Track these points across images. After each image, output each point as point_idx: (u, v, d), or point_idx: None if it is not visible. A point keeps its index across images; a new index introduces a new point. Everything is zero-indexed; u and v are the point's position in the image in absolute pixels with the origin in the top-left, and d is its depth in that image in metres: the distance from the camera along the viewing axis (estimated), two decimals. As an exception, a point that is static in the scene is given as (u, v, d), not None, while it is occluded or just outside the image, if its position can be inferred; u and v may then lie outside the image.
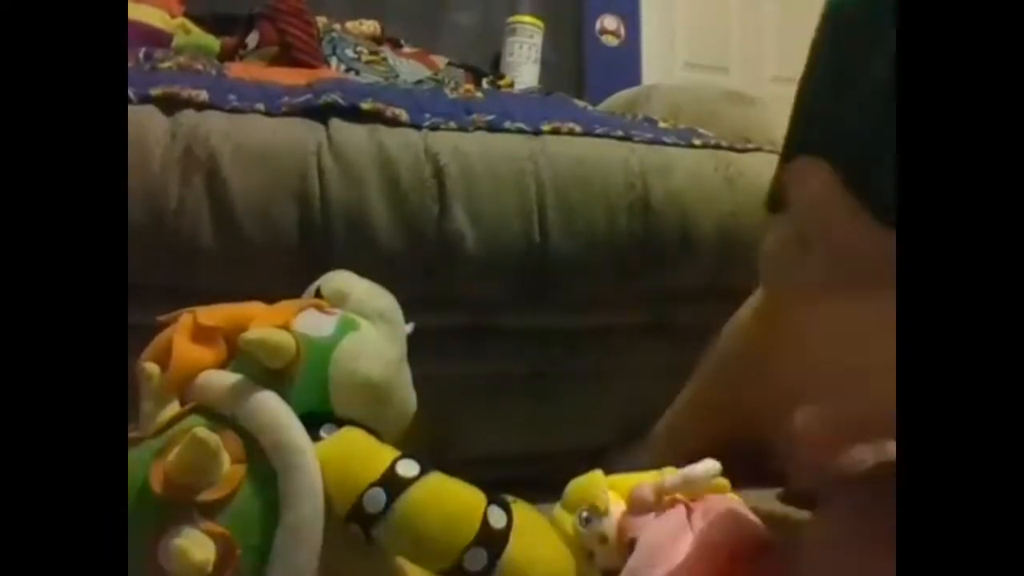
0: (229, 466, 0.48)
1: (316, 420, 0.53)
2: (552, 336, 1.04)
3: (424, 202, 0.92)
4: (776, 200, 0.58)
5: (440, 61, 1.98)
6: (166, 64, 1.23)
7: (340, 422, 0.54)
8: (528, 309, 1.00)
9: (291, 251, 0.88)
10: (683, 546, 0.55)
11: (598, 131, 1.04)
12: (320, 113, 0.94)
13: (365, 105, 0.95)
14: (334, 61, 1.71)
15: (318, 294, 0.62)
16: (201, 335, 0.54)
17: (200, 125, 0.88)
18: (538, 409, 1.05)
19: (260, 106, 0.94)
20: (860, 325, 0.39)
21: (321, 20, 1.82)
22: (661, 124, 1.18)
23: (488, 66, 2.36)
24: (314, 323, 0.57)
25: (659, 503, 0.58)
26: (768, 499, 1.09)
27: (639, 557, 0.54)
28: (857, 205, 0.39)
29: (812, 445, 0.50)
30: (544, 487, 0.65)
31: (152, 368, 0.52)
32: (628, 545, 0.56)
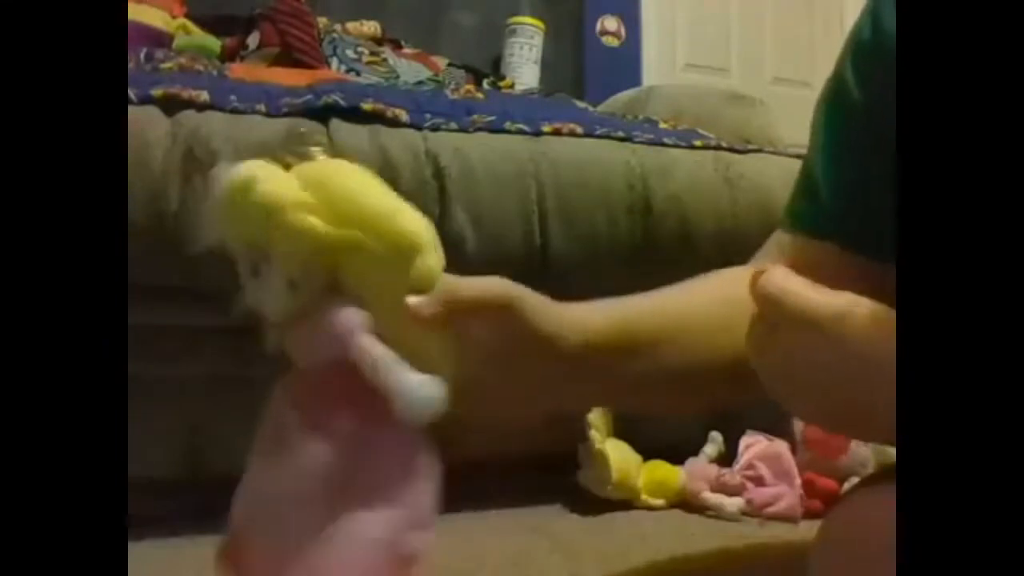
0: None
1: None
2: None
3: (425, 203, 0.91)
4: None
5: (441, 62, 1.98)
6: (167, 65, 1.23)
7: None
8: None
9: (291, 252, 0.88)
10: None
11: (599, 132, 1.04)
12: (321, 114, 0.94)
13: (366, 106, 0.95)
14: (335, 62, 1.71)
15: None
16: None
17: (201, 126, 0.88)
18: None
19: (261, 107, 0.93)
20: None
21: (322, 21, 1.82)
22: (661, 125, 1.18)
23: (489, 67, 2.36)
24: None
25: None
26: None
27: None
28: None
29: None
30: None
31: None
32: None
